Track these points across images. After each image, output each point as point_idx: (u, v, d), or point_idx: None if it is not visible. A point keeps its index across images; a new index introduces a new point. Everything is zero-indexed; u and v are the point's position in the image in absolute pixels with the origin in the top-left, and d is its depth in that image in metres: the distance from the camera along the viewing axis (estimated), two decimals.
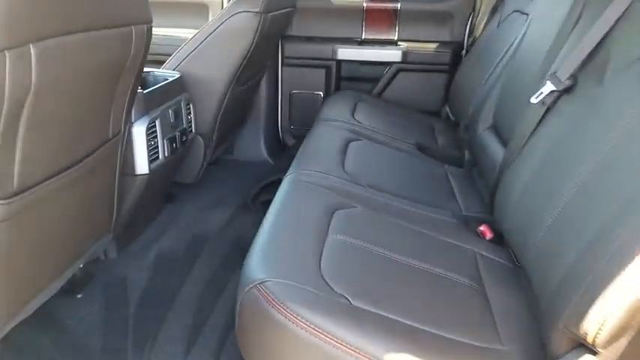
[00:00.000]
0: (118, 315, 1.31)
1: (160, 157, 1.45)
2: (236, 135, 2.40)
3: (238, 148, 2.46)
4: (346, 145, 1.57)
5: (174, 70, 1.70)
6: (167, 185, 1.81)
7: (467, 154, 1.71)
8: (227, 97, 1.79)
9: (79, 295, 1.37)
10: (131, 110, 1.22)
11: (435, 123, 2.13)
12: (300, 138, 2.54)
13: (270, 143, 2.50)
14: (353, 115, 1.91)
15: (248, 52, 1.70)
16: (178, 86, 1.60)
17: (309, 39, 2.38)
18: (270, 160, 2.46)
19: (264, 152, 2.47)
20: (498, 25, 1.97)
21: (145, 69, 1.63)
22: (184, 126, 1.61)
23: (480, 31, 2.26)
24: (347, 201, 1.20)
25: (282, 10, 1.92)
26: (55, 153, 0.94)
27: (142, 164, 1.36)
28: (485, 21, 2.19)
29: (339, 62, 2.38)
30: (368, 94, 2.36)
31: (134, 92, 1.19)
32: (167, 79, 1.58)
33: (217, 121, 1.82)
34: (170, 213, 1.84)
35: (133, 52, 1.07)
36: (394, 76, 2.39)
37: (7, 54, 0.72)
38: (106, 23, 0.95)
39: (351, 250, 1.00)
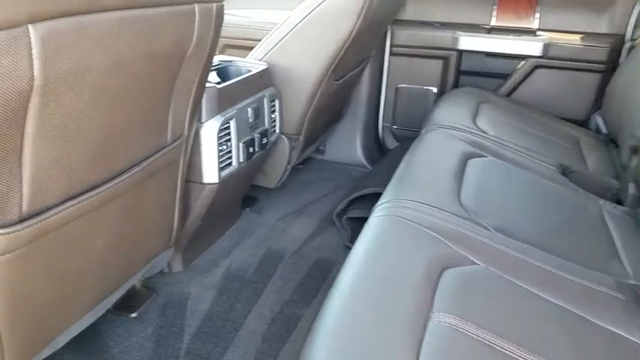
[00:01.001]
0: (168, 349, 1.12)
1: (234, 163, 1.21)
2: (329, 133, 2.13)
3: (331, 148, 2.19)
4: (464, 163, 1.22)
5: (260, 60, 1.46)
6: (242, 193, 1.59)
7: (632, 187, 1.26)
8: (319, 93, 1.51)
9: (134, 315, 1.20)
10: (198, 109, 0.99)
11: (581, 136, 1.67)
12: (403, 141, 2.22)
13: (367, 144, 2.19)
14: (474, 121, 1.53)
15: (347, 40, 1.40)
16: (263, 79, 1.36)
17: (425, 24, 2.01)
18: (366, 164, 2.16)
19: (359, 154, 2.17)
20: None
21: (227, 57, 1.43)
22: (266, 126, 1.37)
23: None
24: (462, 253, 0.87)
25: None
26: (85, 166, 0.72)
27: (210, 172, 1.14)
28: None
29: (461, 53, 1.99)
30: (494, 93, 1.94)
31: (201, 87, 0.95)
32: (251, 71, 1.34)
33: (306, 120, 1.56)
34: (246, 221, 1.63)
35: (197, 37, 0.82)
36: (530, 73, 1.94)
37: None
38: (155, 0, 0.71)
39: (464, 343, 0.68)
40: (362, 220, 1.59)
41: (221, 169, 1.16)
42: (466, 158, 1.25)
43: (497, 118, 1.60)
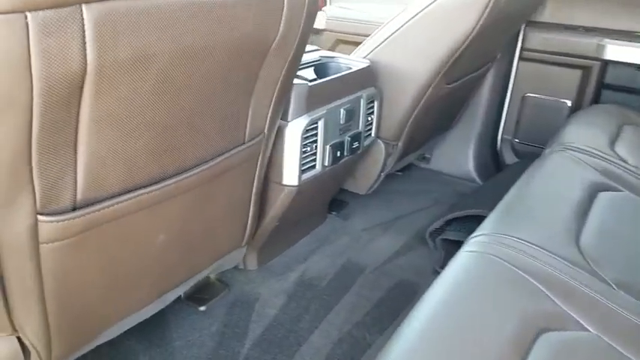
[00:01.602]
0: (228, 351, 1.08)
1: (317, 166, 1.13)
2: (437, 140, 1.96)
3: (438, 157, 2.01)
4: (592, 197, 1.00)
5: (365, 57, 1.35)
6: (328, 197, 1.50)
7: None
8: (426, 97, 1.36)
9: (202, 308, 1.18)
10: (282, 107, 0.92)
11: None
12: (524, 157, 1.96)
13: (481, 157, 1.97)
14: (612, 146, 1.27)
15: (466, 40, 1.23)
16: (363, 78, 1.25)
17: (566, 28, 1.74)
18: (476, 179, 1.95)
19: (471, 167, 1.96)
20: None
21: (329, 53, 1.34)
22: (359, 129, 1.26)
23: None
24: (569, 313, 0.70)
25: None
26: (146, 159, 0.69)
27: (291, 174, 1.06)
28: None
29: (605, 63, 1.69)
30: None
31: (287, 84, 0.88)
32: (351, 69, 1.24)
33: (407, 126, 1.42)
34: (330, 226, 1.54)
35: (283, 29, 0.74)
36: None
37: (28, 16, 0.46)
38: None
39: None
40: (458, 244, 1.42)
41: (303, 171, 1.09)
42: (595, 190, 1.03)
43: None
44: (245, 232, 1.04)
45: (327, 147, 1.13)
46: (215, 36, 0.65)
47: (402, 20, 1.29)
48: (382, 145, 1.46)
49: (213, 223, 0.91)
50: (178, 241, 0.83)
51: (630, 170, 1.14)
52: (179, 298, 1.13)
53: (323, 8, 2.15)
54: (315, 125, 1.07)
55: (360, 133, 1.26)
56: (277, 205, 1.11)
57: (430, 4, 1.23)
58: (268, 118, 0.87)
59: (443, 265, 1.39)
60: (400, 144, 1.48)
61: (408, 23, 1.28)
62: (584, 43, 1.69)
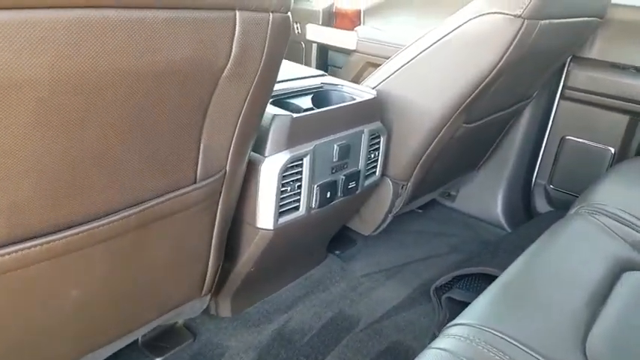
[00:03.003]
0: None
1: (301, 208, 1.00)
2: (464, 179, 1.78)
3: (464, 196, 1.83)
4: (614, 276, 0.82)
5: (374, 87, 1.21)
6: (325, 238, 1.36)
7: None
8: (441, 135, 1.21)
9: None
10: (250, 140, 0.80)
11: None
12: (558, 206, 1.76)
13: (511, 201, 1.78)
14: None
15: (486, 77, 1.08)
16: (367, 111, 1.11)
17: (614, 67, 1.54)
18: (505, 225, 1.76)
19: (499, 212, 1.78)
20: None
21: (333, 80, 1.22)
22: (358, 167, 1.12)
23: None
24: None
25: (574, 20, 1.20)
26: (42, 203, 0.58)
27: (265, 216, 0.94)
28: None
29: None
30: None
31: (254, 115, 0.76)
32: (354, 100, 1.11)
33: (418, 166, 1.27)
34: (327, 268, 1.39)
35: (237, 53, 0.63)
36: None
37: None
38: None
39: None
40: (466, 305, 1.25)
41: (281, 213, 0.96)
42: (620, 269, 0.84)
43: None
44: (205, 281, 0.92)
45: (315, 187, 1.00)
46: (126, 60, 0.53)
47: (416, 50, 1.16)
48: (390, 185, 1.32)
49: (155, 274, 0.80)
50: (102, 296, 0.72)
51: None
52: (135, 342, 1.02)
53: (356, 28, 2.04)
54: (300, 162, 0.95)
55: (358, 171, 1.12)
56: (251, 249, 0.98)
57: (447, 33, 1.09)
58: (230, 153, 0.76)
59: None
60: (410, 185, 1.33)
61: (422, 54, 1.14)
62: (635, 86, 1.49)
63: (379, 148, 1.18)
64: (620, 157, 1.57)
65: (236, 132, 0.74)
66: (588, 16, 1.29)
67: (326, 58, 2.23)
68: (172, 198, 0.70)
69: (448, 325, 0.70)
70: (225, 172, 0.78)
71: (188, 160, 0.71)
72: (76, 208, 0.60)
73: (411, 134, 1.21)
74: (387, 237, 1.58)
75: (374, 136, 1.15)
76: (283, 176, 0.92)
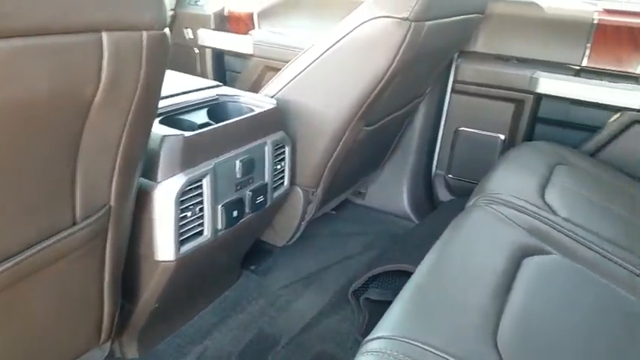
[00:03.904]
0: None
1: (206, 232, 0.94)
2: (371, 177, 1.81)
3: (373, 193, 1.87)
4: (516, 265, 0.86)
5: (273, 96, 1.18)
6: (236, 255, 1.31)
7: None
8: (344, 140, 1.20)
9: None
10: (136, 168, 0.73)
11: None
12: (459, 193, 1.86)
13: (415, 193, 1.85)
14: (543, 194, 1.15)
15: (382, 79, 1.09)
16: (268, 122, 1.08)
17: (500, 59, 1.64)
18: (412, 217, 1.82)
19: (405, 205, 1.83)
20: None
21: (228, 91, 1.16)
22: (265, 180, 1.08)
23: None
24: None
25: (458, 18, 1.25)
26: None
27: (164, 247, 0.87)
28: None
29: (539, 97, 1.60)
30: (575, 150, 1.53)
31: (136, 141, 0.69)
32: (253, 111, 1.06)
33: (325, 171, 1.26)
34: (242, 287, 1.34)
35: (108, 77, 0.56)
36: (625, 129, 1.51)
37: None
38: (31, 23, 0.46)
39: None
40: (384, 304, 1.26)
41: (183, 242, 0.89)
42: (520, 256, 0.88)
43: (574, 190, 1.20)
44: (102, 327, 0.83)
45: (219, 207, 0.95)
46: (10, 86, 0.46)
47: (312, 56, 1.14)
48: (300, 193, 1.29)
49: (40, 331, 0.70)
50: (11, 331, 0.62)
51: (560, 226, 1.01)
52: None
53: (250, 32, 1.98)
54: (199, 184, 0.89)
55: (265, 185, 1.08)
56: (152, 285, 0.90)
57: (340, 39, 1.08)
58: (114, 186, 0.68)
59: (367, 331, 1.23)
60: (320, 190, 1.31)
61: (318, 60, 1.13)
62: (517, 76, 1.60)
63: (285, 158, 1.15)
64: (510, 143, 1.68)
65: (118, 162, 0.66)
66: (470, 13, 1.36)
67: (223, 64, 2.16)
68: (48, 246, 0.61)
69: (366, 339, 0.68)
70: (110, 208, 0.70)
71: (62, 201, 0.62)
72: None
73: (316, 141, 1.19)
74: (303, 243, 1.56)
75: (278, 147, 1.11)
76: (181, 201, 0.85)
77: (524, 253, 0.89)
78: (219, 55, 2.12)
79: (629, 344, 0.73)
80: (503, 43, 1.63)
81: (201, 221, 0.91)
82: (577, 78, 1.54)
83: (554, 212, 1.07)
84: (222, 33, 2.06)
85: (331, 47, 1.10)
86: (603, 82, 1.50)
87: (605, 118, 1.54)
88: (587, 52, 1.53)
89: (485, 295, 0.76)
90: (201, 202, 0.90)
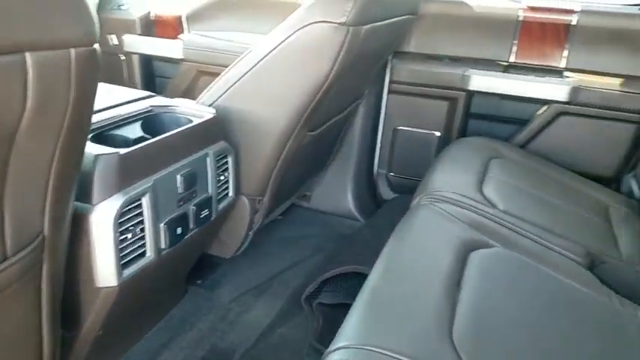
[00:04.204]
0: None
1: (149, 253, 0.89)
2: (316, 179, 1.81)
3: (318, 195, 1.87)
4: (463, 260, 0.88)
5: (211, 105, 1.14)
6: (181, 272, 1.26)
7: None
8: (288, 147, 1.19)
9: None
10: (69, 192, 0.67)
11: (611, 204, 1.32)
12: (401, 191, 1.89)
13: (359, 193, 1.86)
14: (481, 188, 1.20)
15: (324, 83, 1.08)
16: (208, 132, 1.04)
17: (431, 58, 1.69)
18: (358, 216, 1.83)
19: (350, 205, 1.84)
20: None
21: (163, 101, 1.11)
22: (209, 193, 1.05)
23: None
24: None
25: (392, 20, 1.27)
26: None
27: (105, 273, 0.81)
28: None
29: (471, 94, 1.66)
30: (507, 144, 1.61)
31: (71, 160, 0.64)
32: (191, 121, 1.02)
33: (271, 179, 1.24)
34: (190, 304, 1.29)
35: (35, 100, 0.51)
36: (552, 120, 1.61)
37: None
38: None
39: None
40: (337, 307, 1.26)
41: (125, 265, 0.84)
42: (466, 251, 0.91)
43: (509, 182, 1.26)
44: None
45: (162, 226, 0.90)
46: None
47: (251, 62, 1.11)
48: (246, 202, 1.26)
49: None
50: None
51: (499, 218, 1.06)
52: None
53: (180, 36, 1.92)
54: (138, 203, 0.84)
55: (210, 197, 1.05)
56: (94, 312, 0.85)
57: (279, 44, 1.07)
58: (47, 213, 0.62)
59: (322, 337, 1.23)
60: (266, 198, 1.29)
61: (257, 65, 1.10)
62: (449, 74, 1.66)
63: (228, 168, 1.12)
64: (445, 139, 1.73)
65: (50, 188, 0.61)
66: (404, 15, 1.39)
67: (152, 70, 2.08)
68: None
69: (328, 351, 0.68)
70: (44, 238, 0.64)
71: None
72: None
73: (260, 149, 1.17)
74: (252, 251, 1.53)
75: (220, 157, 1.08)
76: (120, 223, 0.80)
77: (469, 247, 0.92)
78: (147, 61, 2.04)
79: (576, 330, 0.77)
80: (435, 42, 1.68)
81: (143, 242, 0.87)
82: (506, 74, 1.62)
83: (493, 205, 1.12)
84: (150, 38, 1.98)
85: (270, 53, 1.08)
86: (530, 76, 1.58)
87: (534, 110, 1.62)
88: (514, 48, 1.61)
89: (437, 294, 0.77)
90: (141, 222, 0.85)
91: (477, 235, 0.98)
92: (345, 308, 1.18)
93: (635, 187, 1.41)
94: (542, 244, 0.99)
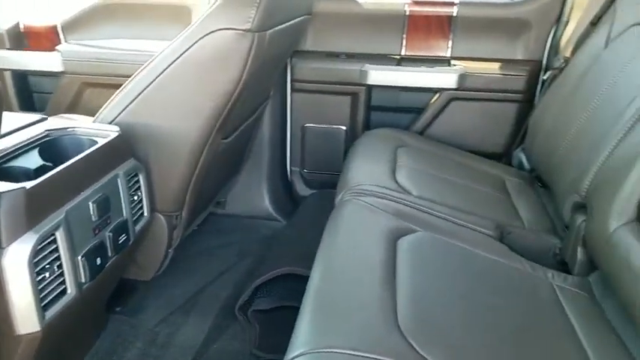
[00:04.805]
0: None
1: (70, 289, 0.82)
2: (230, 184, 1.78)
3: (233, 200, 1.84)
4: (393, 248, 0.93)
5: (112, 122, 1.07)
6: (101, 304, 1.18)
7: (580, 252, 1.03)
8: (203, 156, 1.15)
9: None
10: None
11: (506, 177, 1.47)
12: (316, 186, 1.92)
13: (276, 192, 1.87)
14: (395, 177, 1.27)
15: (235, 89, 1.07)
16: (115, 152, 0.98)
17: (329, 55, 1.74)
18: (276, 216, 1.84)
19: (268, 205, 1.84)
20: (607, 45, 1.31)
21: (61, 123, 1.02)
22: (124, 216, 0.98)
23: (568, 47, 1.59)
24: None
25: (291, 22, 1.28)
26: None
27: (26, 319, 0.74)
28: (579, 36, 1.52)
29: (370, 88, 1.74)
30: (408, 132, 1.71)
31: None
32: (95, 142, 0.95)
33: (189, 192, 1.19)
34: (112, 334, 1.20)
35: None
36: (445, 106, 1.74)
37: None
38: None
39: None
40: (272, 312, 1.26)
41: (46, 306, 0.76)
42: (394, 239, 0.96)
43: (417, 169, 1.35)
44: None
45: (80, 259, 0.83)
46: None
47: (153, 73, 1.06)
48: (163, 220, 1.20)
49: None
50: None
51: (416, 204, 1.13)
52: None
53: (57, 47, 1.76)
54: (52, 238, 0.77)
55: (125, 221, 0.99)
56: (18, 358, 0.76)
57: (182, 53, 1.03)
58: None
59: (261, 343, 1.22)
60: (184, 213, 1.24)
61: (161, 76, 1.05)
62: (348, 70, 1.72)
63: (140, 186, 1.06)
64: (351, 132, 1.79)
65: None
66: (302, 15, 1.41)
67: (28, 86, 1.89)
68: None
69: (286, 359, 0.68)
70: None
71: None
72: None
73: (174, 162, 1.12)
74: (172, 268, 1.46)
75: (131, 176, 1.02)
76: (35, 263, 0.73)
77: (396, 235, 0.97)
78: (21, 77, 1.86)
79: (499, 297, 0.85)
80: (331, 40, 1.73)
81: (62, 279, 0.80)
82: (399, 67, 1.71)
83: (408, 192, 1.19)
84: (21, 52, 1.80)
85: (175, 62, 1.04)
86: (422, 67, 1.69)
87: (428, 99, 1.74)
88: (404, 42, 1.71)
89: (377, 285, 0.81)
90: (58, 258, 0.78)
91: (401, 222, 1.03)
92: (280, 311, 1.19)
93: (524, 160, 1.57)
94: (456, 223, 1.07)
